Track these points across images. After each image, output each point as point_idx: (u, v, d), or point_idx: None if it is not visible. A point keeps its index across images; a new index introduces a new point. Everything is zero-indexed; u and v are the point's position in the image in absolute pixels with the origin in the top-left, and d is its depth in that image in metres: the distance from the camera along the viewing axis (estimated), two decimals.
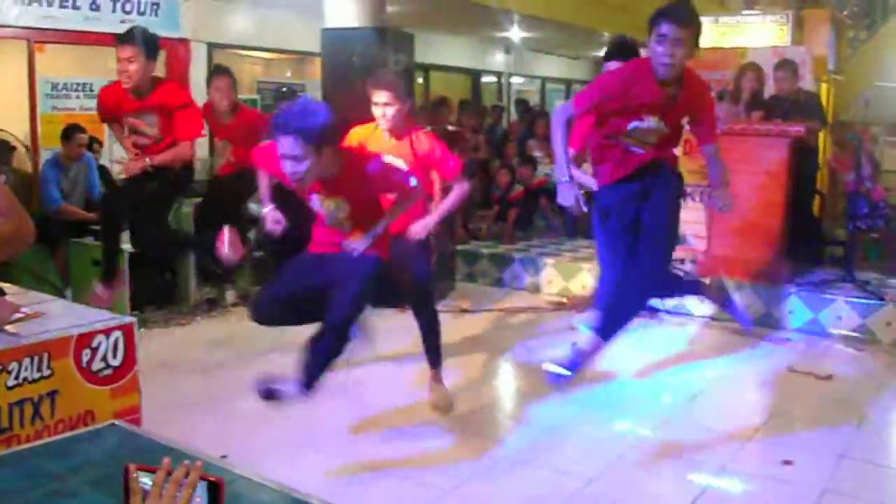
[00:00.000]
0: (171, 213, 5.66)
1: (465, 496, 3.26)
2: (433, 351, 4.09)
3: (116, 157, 6.28)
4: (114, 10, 7.06)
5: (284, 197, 3.61)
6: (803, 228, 6.14)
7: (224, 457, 2.43)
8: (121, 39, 4.74)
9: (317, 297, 3.21)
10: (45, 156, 6.77)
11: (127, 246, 5.35)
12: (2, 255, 2.16)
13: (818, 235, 6.90)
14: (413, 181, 3.44)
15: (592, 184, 3.90)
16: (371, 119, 3.91)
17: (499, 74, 14.13)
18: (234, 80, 5.58)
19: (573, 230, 7.73)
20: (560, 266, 6.73)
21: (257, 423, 3.71)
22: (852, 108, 9.13)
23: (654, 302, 4.66)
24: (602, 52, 4.78)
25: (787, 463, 3.55)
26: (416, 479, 3.35)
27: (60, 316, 2.75)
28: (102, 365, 2.62)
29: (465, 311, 6.14)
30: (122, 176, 5.12)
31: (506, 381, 4.91)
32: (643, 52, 3.92)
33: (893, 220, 6.99)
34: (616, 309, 3.71)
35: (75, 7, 6.85)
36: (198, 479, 1.30)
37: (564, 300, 6.42)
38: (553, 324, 5.81)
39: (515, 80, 14.70)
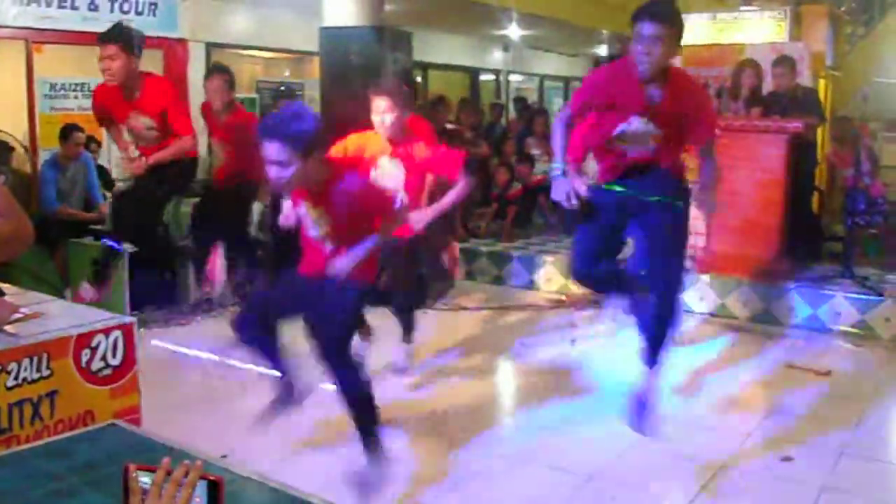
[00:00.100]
0: (170, 213, 5.68)
1: (464, 495, 3.27)
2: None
3: (117, 157, 6.31)
4: (112, 11, 7.05)
5: None
6: (802, 225, 6.14)
7: (224, 457, 2.44)
8: (101, 38, 4.75)
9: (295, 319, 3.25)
10: (43, 156, 6.76)
11: (127, 246, 5.35)
12: (1, 255, 2.16)
13: (817, 231, 6.90)
14: (399, 202, 3.39)
15: (582, 188, 3.83)
16: (369, 121, 3.94)
17: (497, 72, 14.12)
18: (232, 79, 5.54)
19: (571, 228, 7.71)
20: (559, 263, 6.72)
21: (257, 423, 3.71)
22: (851, 104, 9.12)
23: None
24: (601, 50, 4.77)
25: (787, 459, 3.56)
26: (416, 478, 3.35)
27: (60, 316, 2.74)
28: (102, 365, 2.62)
29: (463, 308, 6.15)
30: (126, 175, 5.16)
31: (505, 379, 4.92)
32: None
33: (892, 215, 6.98)
34: (656, 341, 3.65)
35: (73, 7, 6.85)
36: (197, 479, 1.30)
37: (563, 298, 6.43)
38: (552, 321, 5.82)
39: (514, 78, 14.70)
